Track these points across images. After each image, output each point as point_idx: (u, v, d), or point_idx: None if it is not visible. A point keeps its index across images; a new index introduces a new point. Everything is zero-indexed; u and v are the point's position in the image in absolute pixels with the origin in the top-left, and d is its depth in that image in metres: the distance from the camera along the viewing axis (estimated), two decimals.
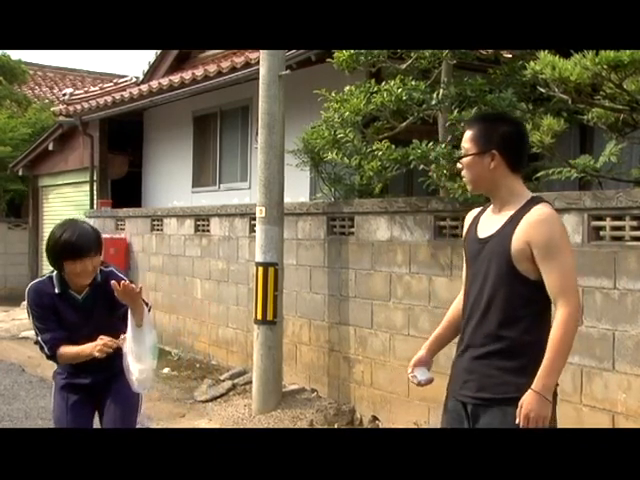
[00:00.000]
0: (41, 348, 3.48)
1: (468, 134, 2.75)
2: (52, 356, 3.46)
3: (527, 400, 2.53)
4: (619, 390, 4.42)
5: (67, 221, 3.53)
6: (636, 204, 4.38)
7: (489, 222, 2.76)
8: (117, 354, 3.53)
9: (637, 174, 5.61)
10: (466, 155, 2.74)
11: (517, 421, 2.54)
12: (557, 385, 2.71)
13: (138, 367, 3.37)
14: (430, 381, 2.96)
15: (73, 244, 3.34)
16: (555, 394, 2.69)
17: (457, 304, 2.96)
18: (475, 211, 2.92)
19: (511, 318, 2.63)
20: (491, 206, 2.82)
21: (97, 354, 3.30)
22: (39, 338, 3.47)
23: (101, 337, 3.34)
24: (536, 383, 2.52)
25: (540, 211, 2.61)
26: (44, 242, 14.41)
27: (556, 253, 2.56)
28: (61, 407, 3.66)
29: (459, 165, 2.82)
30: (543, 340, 2.56)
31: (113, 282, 3.26)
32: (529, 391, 2.53)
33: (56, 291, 3.45)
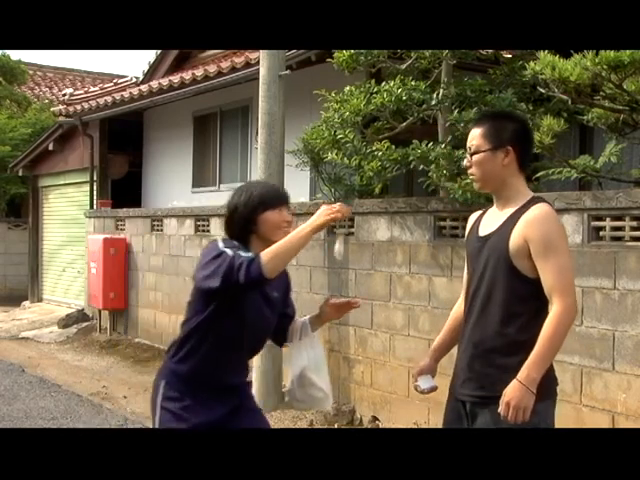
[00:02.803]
0: (237, 268, 2.63)
1: (478, 131, 2.75)
2: (251, 263, 2.63)
3: (510, 389, 2.53)
4: (619, 390, 4.42)
5: (248, 182, 3.15)
6: (636, 204, 4.38)
7: (490, 220, 2.78)
8: (243, 379, 3.01)
9: (637, 174, 5.61)
10: (478, 152, 2.73)
11: (499, 409, 2.54)
12: (557, 384, 2.72)
13: (325, 381, 3.07)
14: (434, 389, 2.96)
15: (274, 191, 2.99)
16: (554, 393, 2.70)
17: (457, 308, 2.98)
18: (477, 213, 2.94)
19: (508, 316, 2.64)
20: (493, 206, 2.83)
21: (332, 216, 2.70)
22: (238, 258, 2.68)
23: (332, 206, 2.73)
24: (521, 373, 2.53)
25: (539, 209, 2.63)
26: (44, 242, 14.29)
27: (553, 251, 2.58)
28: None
29: (466, 162, 2.80)
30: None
31: (332, 301, 3.04)
32: (513, 380, 2.53)
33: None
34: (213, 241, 2.87)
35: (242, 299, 2.80)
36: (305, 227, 2.69)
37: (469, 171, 2.80)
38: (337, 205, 2.73)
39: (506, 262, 2.63)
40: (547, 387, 2.64)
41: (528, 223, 2.60)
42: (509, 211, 2.70)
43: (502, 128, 2.72)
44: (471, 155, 2.75)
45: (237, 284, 2.64)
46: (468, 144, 2.78)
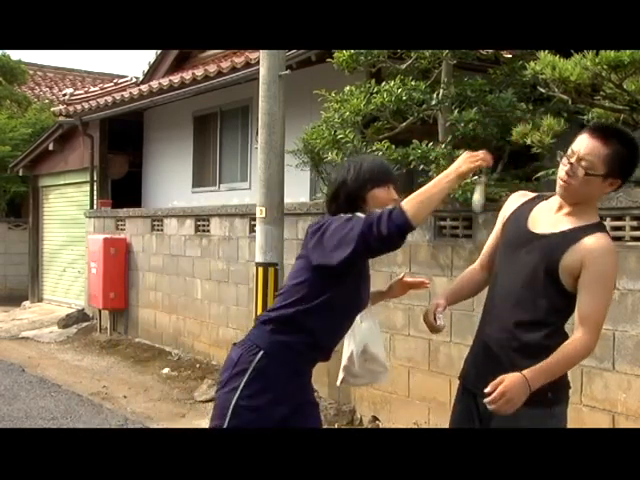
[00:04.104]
0: (377, 221, 2.49)
1: (602, 150, 2.51)
2: (392, 211, 2.49)
3: (512, 380, 2.44)
4: (619, 390, 4.42)
5: (359, 156, 3.01)
6: (636, 204, 4.39)
7: (546, 219, 2.65)
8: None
9: (637, 174, 5.60)
10: (593, 173, 2.51)
11: (488, 390, 2.45)
12: (570, 388, 2.69)
13: (383, 355, 2.99)
14: (443, 327, 2.83)
15: (384, 167, 2.85)
16: (568, 397, 2.67)
17: (472, 273, 2.91)
18: (524, 196, 2.80)
19: (539, 323, 2.58)
20: (548, 203, 2.70)
21: (476, 164, 2.53)
22: (374, 214, 2.55)
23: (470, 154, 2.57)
24: (529, 372, 2.45)
25: (605, 241, 2.54)
26: (44, 242, 14.30)
27: (602, 287, 2.52)
28: (271, 417, 2.75)
29: (569, 169, 2.54)
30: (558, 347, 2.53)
31: (407, 279, 3.04)
32: (518, 373, 2.45)
33: None
34: (326, 217, 2.74)
35: (359, 268, 2.71)
36: (449, 173, 2.53)
37: (566, 178, 2.56)
38: (481, 152, 2.58)
39: (552, 272, 2.55)
40: (564, 391, 2.63)
41: (591, 250, 2.51)
42: (572, 223, 2.59)
43: (623, 158, 2.53)
44: (585, 172, 2.52)
45: (379, 239, 2.48)
46: (581, 153, 2.52)
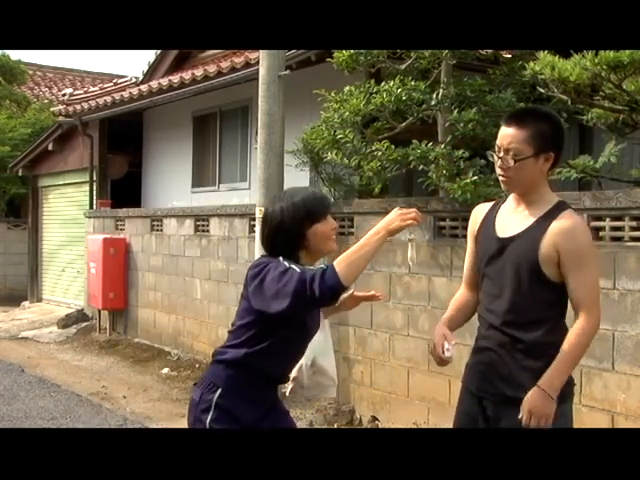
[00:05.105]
0: (310, 281, 2.47)
1: (520, 134, 2.59)
2: (325, 272, 2.46)
3: (532, 396, 2.51)
4: (619, 390, 4.43)
5: (288, 190, 2.87)
6: (636, 204, 4.39)
7: (510, 221, 2.69)
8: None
9: (637, 174, 5.61)
10: (521, 158, 2.58)
11: (520, 416, 2.51)
12: (574, 385, 2.71)
13: (333, 369, 3.03)
14: (451, 359, 2.79)
15: (319, 199, 2.77)
16: (573, 394, 2.70)
17: (461, 298, 2.92)
18: (485, 206, 2.85)
19: (536, 321, 2.60)
20: (508, 204, 2.75)
21: (408, 222, 2.53)
22: (308, 271, 2.53)
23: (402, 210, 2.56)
24: (544, 380, 2.51)
25: (571, 219, 2.58)
26: (44, 242, 14.25)
27: (584, 265, 2.55)
28: None
29: (502, 163, 2.63)
30: (562, 342, 2.56)
31: (356, 293, 3.04)
32: (535, 387, 2.50)
33: None
34: (265, 258, 2.74)
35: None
36: (379, 230, 2.53)
37: (503, 172, 2.64)
38: (413, 211, 2.56)
39: (535, 269, 2.58)
40: (569, 389, 2.65)
41: (561, 233, 2.55)
42: (535, 214, 2.63)
43: (545, 132, 2.60)
44: (515, 161, 2.59)
45: (312, 299, 2.47)
46: (505, 145, 2.62)
